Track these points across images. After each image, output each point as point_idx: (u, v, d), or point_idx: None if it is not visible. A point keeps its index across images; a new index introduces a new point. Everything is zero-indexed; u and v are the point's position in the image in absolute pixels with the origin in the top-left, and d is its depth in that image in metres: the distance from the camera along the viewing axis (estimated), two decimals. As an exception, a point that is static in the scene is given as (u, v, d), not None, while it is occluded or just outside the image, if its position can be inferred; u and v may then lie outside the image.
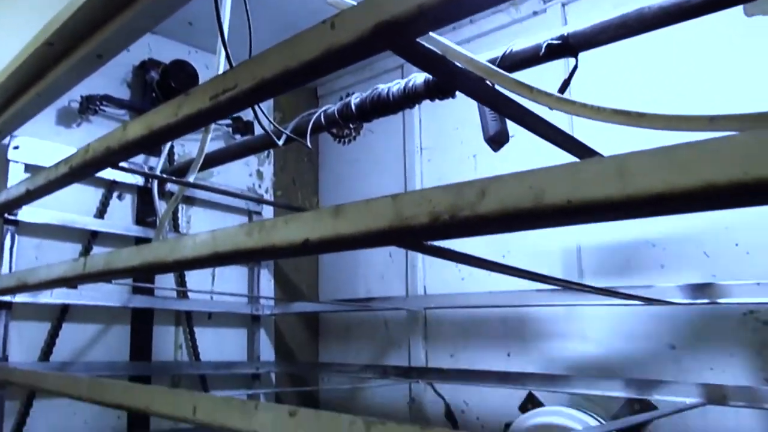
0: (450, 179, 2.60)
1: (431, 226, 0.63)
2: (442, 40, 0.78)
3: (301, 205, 3.18)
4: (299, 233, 0.78)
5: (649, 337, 1.96)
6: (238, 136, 2.90)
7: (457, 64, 0.78)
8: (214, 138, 2.88)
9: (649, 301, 1.55)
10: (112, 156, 1.30)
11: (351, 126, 1.64)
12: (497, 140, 1.25)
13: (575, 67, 1.16)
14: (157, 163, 2.57)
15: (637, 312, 1.98)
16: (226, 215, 2.85)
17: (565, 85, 1.15)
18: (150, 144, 1.36)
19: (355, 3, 0.97)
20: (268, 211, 2.99)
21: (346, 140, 3.08)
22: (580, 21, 2.15)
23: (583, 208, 0.53)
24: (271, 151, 3.13)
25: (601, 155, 1.26)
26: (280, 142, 1.66)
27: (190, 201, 2.75)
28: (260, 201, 2.76)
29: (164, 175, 2.23)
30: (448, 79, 0.82)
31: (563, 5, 2.34)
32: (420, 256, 2.67)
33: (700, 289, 1.65)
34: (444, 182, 2.27)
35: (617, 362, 2.03)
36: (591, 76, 2.22)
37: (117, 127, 1.28)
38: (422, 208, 0.64)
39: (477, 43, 2.59)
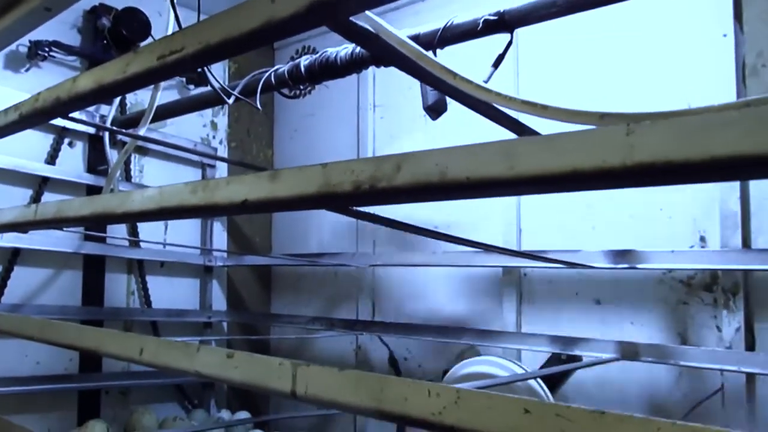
0: (401, 138, 2.70)
1: (354, 193, 0.72)
2: (376, 19, 0.84)
3: (255, 157, 3.22)
4: (239, 194, 0.85)
5: (578, 293, 2.11)
6: (192, 87, 2.90)
7: (390, 42, 0.85)
8: (168, 87, 2.87)
9: (572, 265, 1.67)
10: (62, 107, 1.32)
11: (301, 87, 1.68)
12: (435, 109, 1.33)
13: (509, 43, 1.23)
14: (109, 112, 2.56)
15: (568, 271, 2.12)
16: (180, 167, 2.88)
17: (499, 60, 1.23)
18: (99, 98, 1.39)
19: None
20: (222, 166, 3.02)
21: (301, 95, 3.10)
22: None
23: (479, 185, 0.62)
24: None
25: (532, 130, 1.36)
26: (230, 101, 1.70)
27: (143, 151, 2.76)
28: (211, 156, 2.78)
29: (113, 128, 2.23)
30: (383, 55, 0.89)
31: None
32: (370, 224, 2.76)
33: (621, 255, 1.79)
34: (395, 140, 2.37)
35: (550, 316, 2.18)
36: (539, 57, 2.31)
37: (67, 79, 1.30)
38: (347, 177, 0.73)
39: (423, 4, 2.62)
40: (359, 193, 0.71)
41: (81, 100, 1.31)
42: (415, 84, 2.79)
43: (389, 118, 2.79)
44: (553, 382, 2.08)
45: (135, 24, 2.55)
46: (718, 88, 1.90)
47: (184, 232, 2.85)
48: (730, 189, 1.85)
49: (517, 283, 2.26)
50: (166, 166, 2.83)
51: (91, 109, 2.56)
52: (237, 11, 0.89)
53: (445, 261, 2.28)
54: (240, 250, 3.04)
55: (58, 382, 2.26)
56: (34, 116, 1.41)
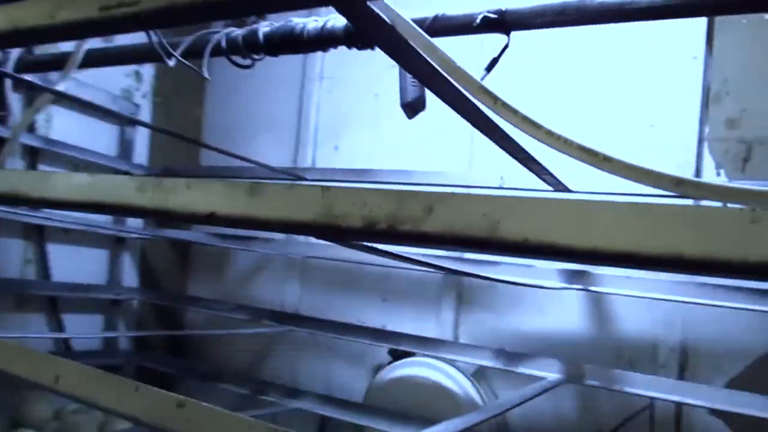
0: (348, 117, 2.52)
1: (365, 231, 0.57)
2: (398, 11, 0.70)
3: (183, 117, 2.93)
4: (205, 204, 0.68)
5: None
6: (118, 34, 2.59)
7: (405, 38, 0.70)
8: (89, 32, 2.55)
9: (523, 285, 1.60)
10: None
11: (255, 56, 1.48)
12: (413, 107, 1.20)
13: (506, 46, 1.11)
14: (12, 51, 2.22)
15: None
16: (95, 121, 2.57)
17: (492, 64, 1.11)
18: (11, 43, 1.16)
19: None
20: (145, 118, 2.73)
21: (253, 65, 2.85)
22: None
23: (541, 249, 0.49)
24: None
25: (533, 157, 1.24)
26: (171, 63, 1.48)
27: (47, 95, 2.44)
28: (134, 122, 2.49)
29: (15, 75, 1.92)
30: (390, 50, 0.74)
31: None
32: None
33: (575, 275, 1.73)
34: (342, 119, 2.18)
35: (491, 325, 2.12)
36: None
37: None
38: (356, 209, 0.58)
39: None
40: (372, 231, 0.57)
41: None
42: (370, 59, 2.61)
43: (337, 93, 2.60)
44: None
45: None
46: (683, 111, 1.87)
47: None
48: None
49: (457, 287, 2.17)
50: (79, 118, 2.51)
51: (-5, 47, 2.21)
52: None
53: (379, 260, 2.15)
54: (158, 222, 2.78)
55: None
56: None
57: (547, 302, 1.98)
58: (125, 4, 0.81)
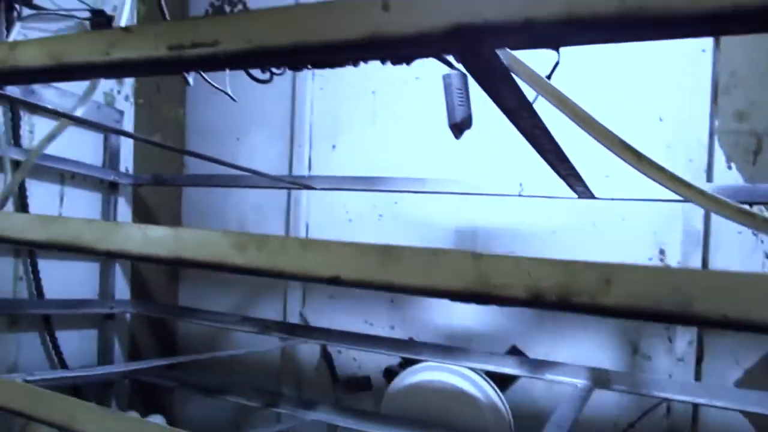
0: (345, 118, 2.46)
1: (530, 302, 0.55)
2: (515, 54, 0.67)
3: (165, 117, 2.83)
4: (327, 267, 0.65)
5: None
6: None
7: (522, 83, 0.67)
8: (63, 29, 2.42)
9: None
10: (-15, 79, 1.00)
11: (274, 71, 1.40)
12: (461, 127, 1.17)
13: (557, 63, 1.09)
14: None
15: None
16: (78, 130, 2.44)
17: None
18: (52, 77, 1.08)
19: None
20: (128, 125, 2.62)
21: (270, 80, 2.73)
22: None
23: (739, 326, 0.48)
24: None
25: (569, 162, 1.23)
26: (190, 79, 1.41)
27: (32, 108, 2.31)
28: (119, 132, 2.38)
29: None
30: (500, 94, 0.71)
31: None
32: (305, 202, 2.52)
33: None
34: (338, 120, 2.14)
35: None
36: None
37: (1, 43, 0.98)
38: (518, 279, 0.55)
39: None
40: (540, 302, 0.54)
41: (19, 76, 0.99)
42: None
43: (330, 91, 2.53)
44: (502, 386, 2.04)
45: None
46: (693, 105, 1.89)
47: (81, 207, 2.45)
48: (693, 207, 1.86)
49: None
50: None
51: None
52: (322, 11, 0.66)
53: None
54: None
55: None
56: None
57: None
58: (201, 44, 0.75)
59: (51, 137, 1.29)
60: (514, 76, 0.68)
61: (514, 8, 0.56)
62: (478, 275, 0.57)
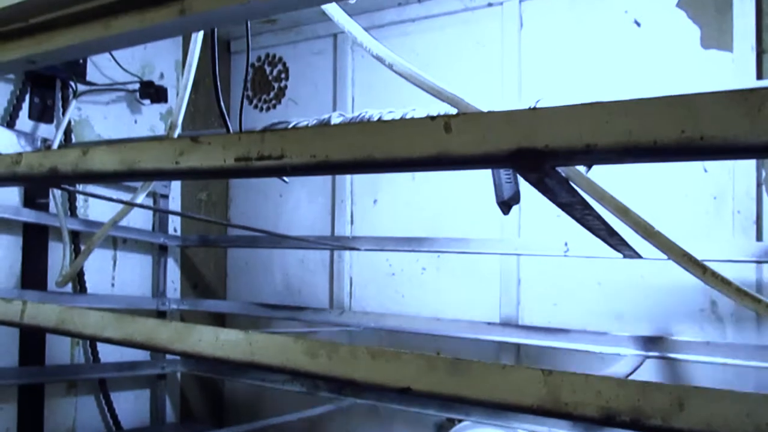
0: (382, 185, 2.48)
1: (602, 421, 0.56)
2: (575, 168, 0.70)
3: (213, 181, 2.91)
4: (396, 378, 0.67)
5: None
6: (147, 102, 2.56)
7: (580, 191, 0.70)
8: (113, 101, 2.54)
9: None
10: (56, 178, 1.06)
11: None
12: (509, 203, 1.19)
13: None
14: (54, 136, 2.20)
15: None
16: (127, 195, 2.54)
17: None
18: (120, 179, 1.14)
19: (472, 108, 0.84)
20: (176, 189, 2.71)
21: (265, 107, 2.83)
22: (536, 20, 2.15)
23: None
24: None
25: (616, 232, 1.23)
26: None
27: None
28: (165, 212, 2.48)
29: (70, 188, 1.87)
30: (554, 199, 0.74)
31: (521, 1, 2.23)
32: (348, 256, 2.56)
33: (651, 341, 1.72)
34: (379, 176, 2.18)
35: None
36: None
37: (72, 148, 1.05)
38: (589, 398, 0.57)
39: (422, 24, 2.45)
40: (612, 423, 0.56)
41: (91, 178, 1.06)
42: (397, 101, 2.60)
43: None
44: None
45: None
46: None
47: (135, 268, 2.53)
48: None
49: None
50: (114, 190, 2.48)
51: (26, 127, 2.18)
52: (385, 129, 0.70)
53: (439, 330, 2.14)
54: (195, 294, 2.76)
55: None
56: (7, 179, 1.13)
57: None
58: (267, 157, 0.80)
59: (115, 221, 1.36)
60: (571, 183, 0.71)
61: (575, 135, 0.58)
62: (549, 392, 0.58)
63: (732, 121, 0.52)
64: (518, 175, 1.19)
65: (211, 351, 0.82)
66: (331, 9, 1.08)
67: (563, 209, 0.86)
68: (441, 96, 0.95)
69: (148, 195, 2.59)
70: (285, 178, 1.42)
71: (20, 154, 1.03)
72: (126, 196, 2.47)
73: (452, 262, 2.32)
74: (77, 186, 2.00)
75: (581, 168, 0.95)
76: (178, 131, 1.27)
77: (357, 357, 0.70)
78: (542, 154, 0.60)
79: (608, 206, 0.72)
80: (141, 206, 1.42)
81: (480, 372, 0.62)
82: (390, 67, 1.02)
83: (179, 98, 1.21)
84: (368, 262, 2.51)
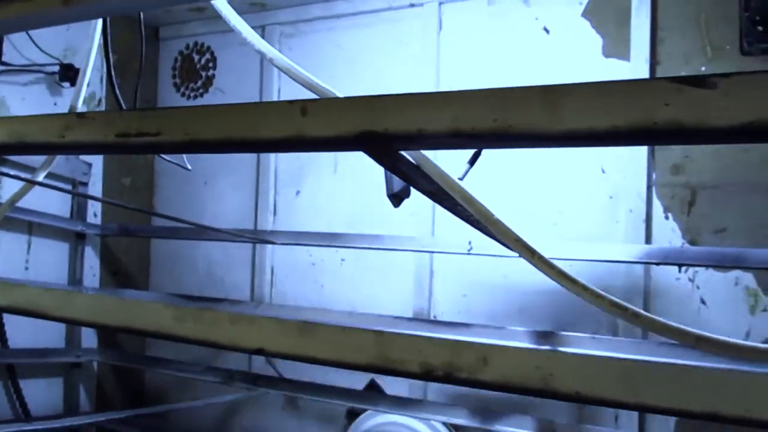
0: (308, 165, 2.53)
1: (422, 376, 0.63)
2: (423, 154, 0.76)
3: (136, 160, 2.88)
4: (253, 340, 0.72)
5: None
6: (66, 84, 2.52)
7: (430, 175, 0.76)
8: (31, 82, 2.49)
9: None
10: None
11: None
12: (399, 196, 1.26)
13: (479, 151, 1.16)
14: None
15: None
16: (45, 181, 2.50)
17: (475, 157, 1.16)
18: (11, 152, 1.15)
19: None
20: (96, 175, 2.68)
21: (192, 95, 2.82)
22: (454, 22, 2.24)
23: (591, 400, 0.57)
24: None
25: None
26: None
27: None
28: (83, 196, 2.45)
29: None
30: (417, 186, 0.80)
31: (440, 4, 2.32)
32: (271, 248, 2.59)
33: (543, 336, 1.82)
34: (301, 164, 2.31)
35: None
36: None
37: None
38: (412, 356, 0.63)
39: (348, 21, 2.50)
40: (430, 377, 0.63)
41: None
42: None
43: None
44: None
45: None
46: (632, 158, 2.00)
47: (50, 256, 2.49)
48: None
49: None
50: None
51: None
52: (249, 111, 0.75)
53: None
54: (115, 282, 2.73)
55: None
56: None
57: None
58: (145, 134, 0.83)
59: (13, 201, 1.36)
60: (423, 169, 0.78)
61: (410, 121, 0.65)
62: (379, 351, 0.65)
63: (533, 112, 0.59)
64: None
65: (90, 317, 0.86)
66: (219, 4, 1.12)
67: (432, 198, 0.93)
68: (315, 90, 1.01)
69: (66, 181, 2.55)
70: (188, 165, 1.44)
71: None
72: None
73: (370, 255, 2.39)
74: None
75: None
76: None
77: (218, 322, 0.75)
78: (384, 137, 0.67)
79: (456, 194, 0.79)
80: (43, 185, 1.42)
81: (325, 333, 0.68)
82: (270, 61, 1.06)
83: (79, 81, 1.22)
84: (290, 251, 2.55)
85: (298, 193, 2.58)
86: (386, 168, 0.76)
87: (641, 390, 0.54)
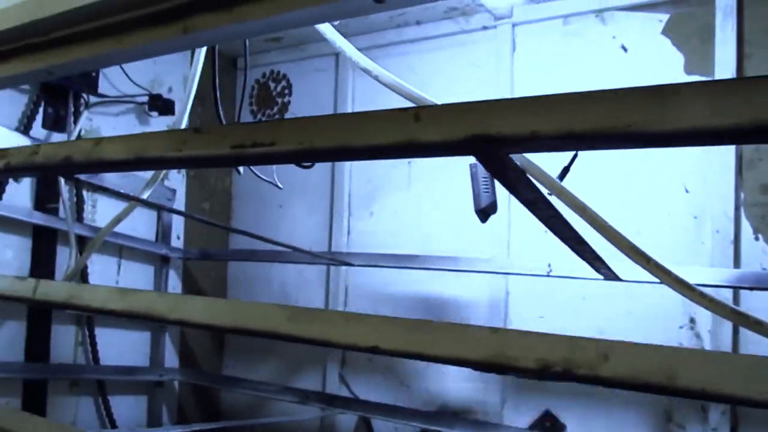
0: (382, 186, 2.58)
1: (539, 372, 0.64)
2: (528, 157, 0.78)
3: (213, 187, 3.01)
4: (367, 338, 0.75)
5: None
6: (155, 114, 2.67)
7: (535, 182, 0.78)
8: (122, 112, 2.65)
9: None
10: (71, 167, 1.16)
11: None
12: (486, 212, 1.28)
13: (575, 156, 1.18)
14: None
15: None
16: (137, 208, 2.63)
17: (564, 173, 1.18)
18: (128, 168, 1.23)
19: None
20: (179, 201, 2.80)
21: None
22: (528, 43, 2.26)
23: (715, 398, 0.56)
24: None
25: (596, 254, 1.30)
26: (241, 170, 1.57)
27: (94, 188, 2.51)
28: (170, 210, 2.58)
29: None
30: (518, 194, 0.81)
31: (514, 25, 2.34)
32: (343, 286, 2.63)
33: None
34: (376, 188, 2.24)
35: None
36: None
37: (85, 139, 1.15)
38: (529, 352, 0.64)
39: (421, 45, 2.56)
40: (547, 373, 0.63)
41: (101, 166, 1.15)
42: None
43: (368, 161, 2.68)
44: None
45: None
46: (718, 177, 1.95)
47: (138, 277, 2.61)
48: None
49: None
50: (121, 205, 2.57)
51: (40, 135, 2.29)
52: (361, 120, 0.79)
53: None
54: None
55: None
56: (26, 169, 1.22)
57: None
58: (261, 144, 0.88)
59: (118, 220, 1.44)
60: (528, 175, 0.79)
61: (522, 123, 0.67)
62: (495, 348, 0.66)
63: (651, 111, 0.60)
64: (494, 185, 1.28)
65: (202, 318, 0.90)
66: (325, 28, 1.18)
67: (529, 208, 0.94)
68: (421, 104, 1.04)
69: (152, 208, 2.69)
70: (279, 184, 1.50)
71: (38, 145, 1.13)
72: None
73: (446, 275, 2.39)
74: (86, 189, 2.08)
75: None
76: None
77: (332, 321, 0.78)
78: (494, 140, 0.69)
79: (566, 201, 0.80)
80: (145, 202, 1.50)
81: (440, 331, 0.70)
82: (376, 78, 1.11)
83: (180, 108, 1.30)
84: (363, 273, 2.58)
85: (371, 214, 2.62)
86: (494, 174, 0.77)
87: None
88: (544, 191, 0.87)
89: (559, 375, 0.62)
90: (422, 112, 0.74)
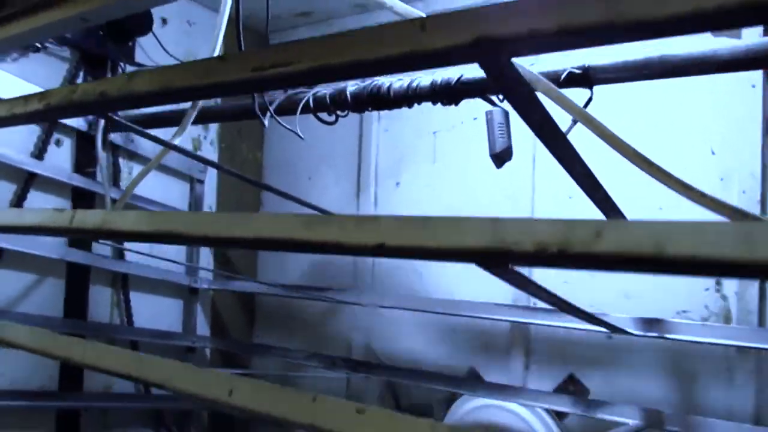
0: (407, 154, 2.61)
1: (536, 255, 0.66)
2: (533, 71, 0.80)
3: (245, 159, 3.08)
4: (372, 236, 0.78)
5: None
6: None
7: (540, 97, 0.80)
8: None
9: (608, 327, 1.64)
10: (107, 103, 1.22)
11: (339, 114, 1.58)
12: (501, 157, 1.30)
13: (590, 99, 1.20)
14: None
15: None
16: (167, 177, 2.72)
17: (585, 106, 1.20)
18: (159, 101, 1.28)
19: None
20: (211, 174, 2.88)
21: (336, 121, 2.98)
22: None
23: (705, 264, 0.58)
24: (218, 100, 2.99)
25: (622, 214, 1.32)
26: (265, 121, 1.62)
27: (131, 155, 2.61)
28: (206, 162, 2.64)
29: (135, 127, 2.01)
30: (523, 109, 0.84)
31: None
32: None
33: (649, 323, 1.78)
34: (402, 159, 2.27)
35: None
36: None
37: (119, 75, 1.21)
38: (526, 237, 0.67)
39: None
40: (543, 255, 0.66)
41: (133, 100, 1.20)
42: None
43: (394, 132, 2.71)
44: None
45: (136, 16, 2.39)
46: (744, 138, 1.93)
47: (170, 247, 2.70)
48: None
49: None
50: (155, 173, 2.66)
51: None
52: (373, 33, 0.83)
53: (460, 310, 2.23)
54: (226, 272, 2.91)
55: (36, 399, 2.08)
56: (65, 108, 1.29)
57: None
58: (279, 64, 0.92)
59: (158, 160, 1.51)
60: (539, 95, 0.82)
61: (521, 23, 0.70)
62: (495, 235, 0.69)
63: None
64: (510, 131, 1.30)
65: (222, 232, 0.95)
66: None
67: (542, 139, 0.96)
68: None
69: (184, 178, 2.77)
70: (301, 134, 1.54)
71: (77, 84, 1.20)
72: (162, 177, 2.66)
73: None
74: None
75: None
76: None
77: (344, 226, 0.82)
78: (497, 42, 0.72)
79: (575, 115, 0.82)
80: (178, 149, 1.57)
81: (443, 225, 0.73)
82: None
83: (216, 34, 1.34)
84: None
85: (398, 184, 2.66)
86: (496, 85, 0.80)
87: (758, 247, 0.55)
88: (557, 113, 0.89)
89: (554, 256, 0.65)
90: (428, 21, 0.78)
